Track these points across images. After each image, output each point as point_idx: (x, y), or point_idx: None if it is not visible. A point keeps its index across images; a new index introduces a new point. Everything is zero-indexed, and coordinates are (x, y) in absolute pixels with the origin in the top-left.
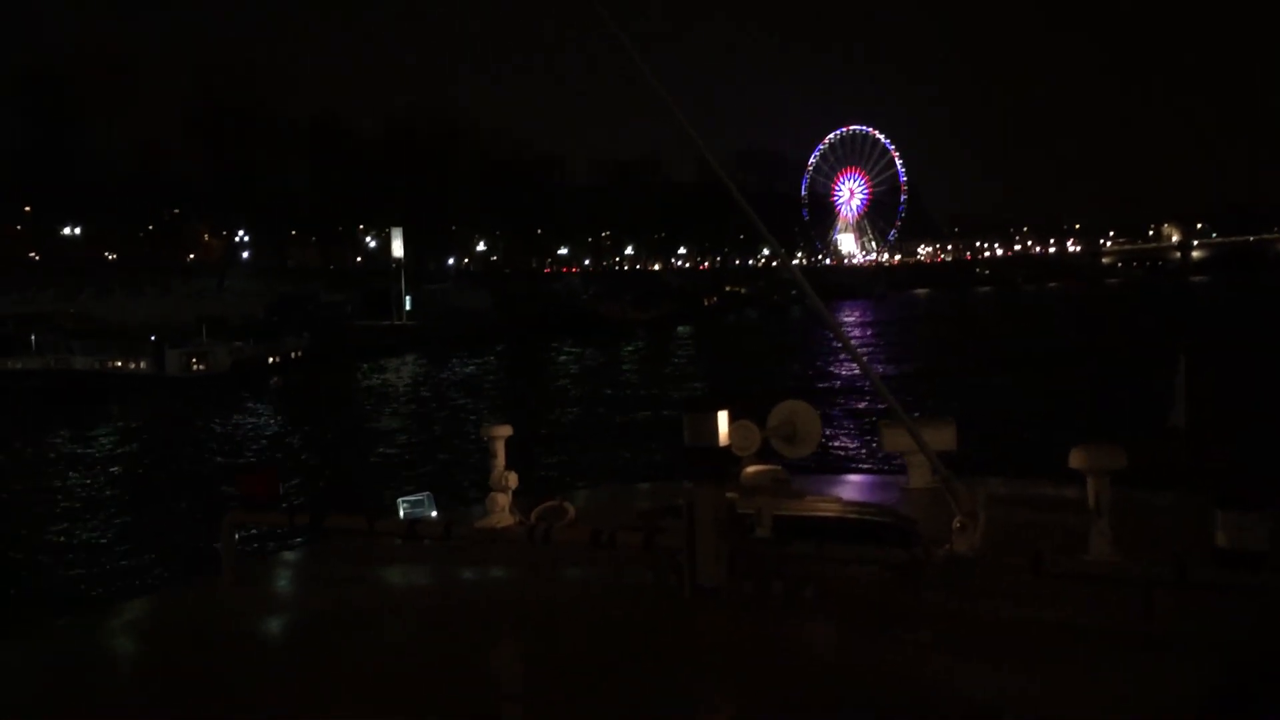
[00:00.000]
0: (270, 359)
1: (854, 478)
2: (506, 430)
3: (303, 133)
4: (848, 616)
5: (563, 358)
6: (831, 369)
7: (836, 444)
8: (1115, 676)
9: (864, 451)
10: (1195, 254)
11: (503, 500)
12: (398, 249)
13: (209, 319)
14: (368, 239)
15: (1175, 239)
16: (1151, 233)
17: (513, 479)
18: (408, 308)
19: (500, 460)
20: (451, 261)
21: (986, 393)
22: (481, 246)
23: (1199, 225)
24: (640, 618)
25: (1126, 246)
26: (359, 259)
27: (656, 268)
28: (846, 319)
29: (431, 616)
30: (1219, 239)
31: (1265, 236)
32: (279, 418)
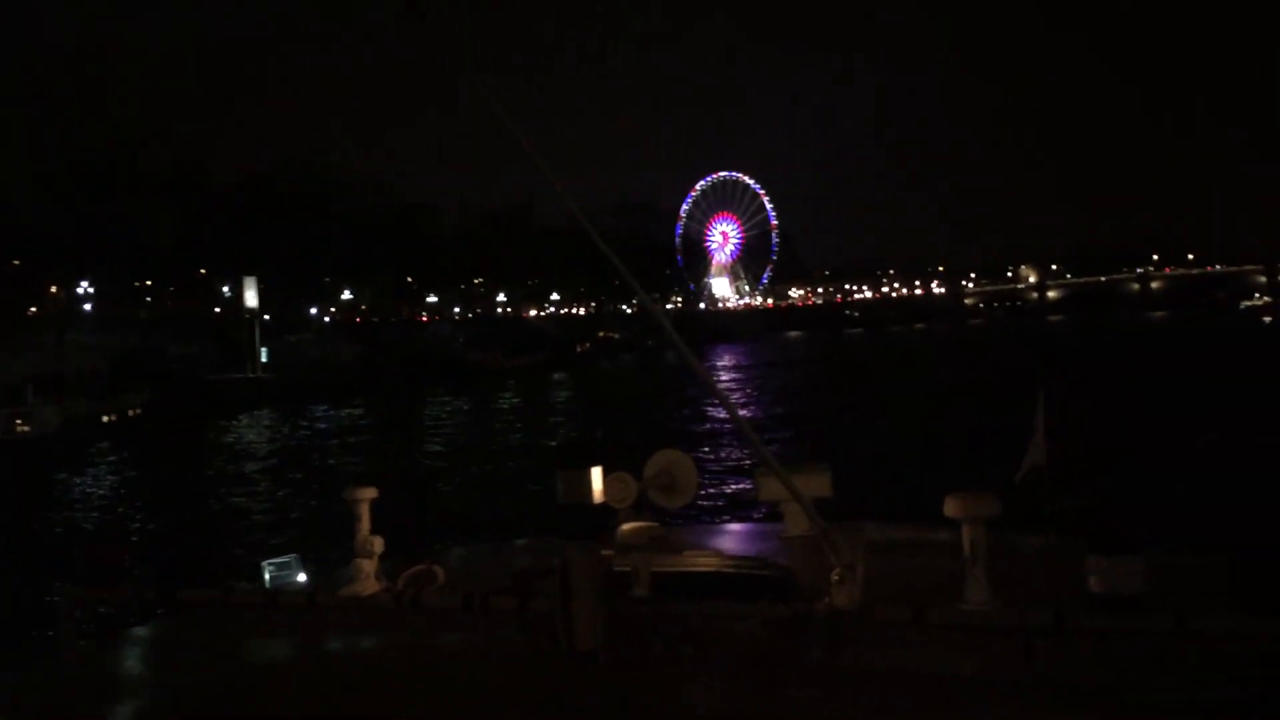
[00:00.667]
0: (105, 418)
1: (732, 527)
2: (370, 493)
3: (164, 181)
4: (730, 675)
5: (431, 409)
6: (708, 414)
7: (714, 492)
8: None
9: (742, 499)
10: (1051, 294)
11: (368, 566)
12: (251, 298)
13: (44, 376)
14: (224, 289)
15: (1032, 279)
16: (1010, 274)
17: (378, 544)
18: (264, 359)
19: (365, 524)
20: (315, 311)
21: (861, 435)
22: (348, 295)
23: (1054, 266)
24: (515, 685)
25: (987, 288)
26: (217, 310)
27: (533, 314)
28: (723, 362)
29: (294, 691)
30: (1073, 279)
31: (1116, 276)
32: (112, 481)
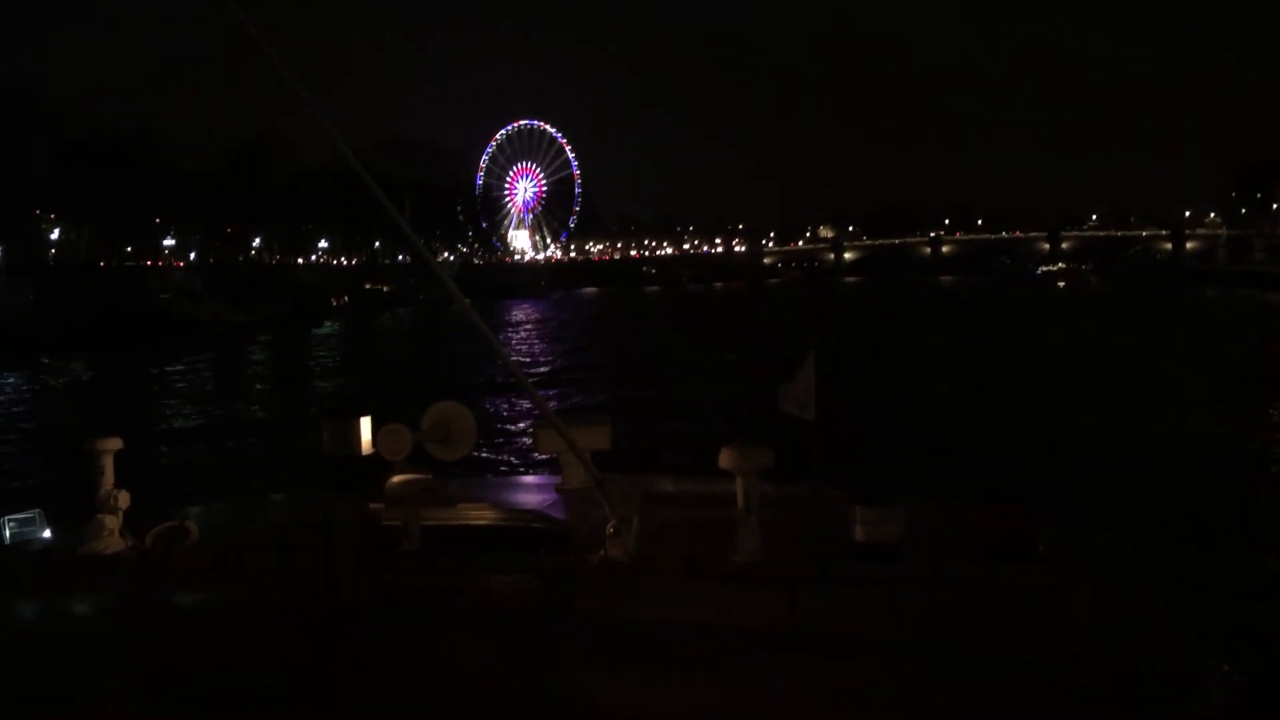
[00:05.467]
0: None
1: (509, 479)
2: (115, 443)
3: None
4: (499, 632)
5: (111, 375)
6: (491, 367)
7: (495, 445)
8: (766, 679)
9: (522, 452)
10: (848, 255)
11: (111, 522)
12: None
13: None
14: None
15: (828, 239)
16: (809, 234)
17: (123, 498)
18: None
19: (108, 477)
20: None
21: (652, 389)
22: (56, 235)
23: (851, 228)
24: (272, 648)
25: (786, 248)
26: None
27: (299, 261)
28: (517, 317)
29: (26, 659)
30: (869, 241)
31: (909, 240)
32: None
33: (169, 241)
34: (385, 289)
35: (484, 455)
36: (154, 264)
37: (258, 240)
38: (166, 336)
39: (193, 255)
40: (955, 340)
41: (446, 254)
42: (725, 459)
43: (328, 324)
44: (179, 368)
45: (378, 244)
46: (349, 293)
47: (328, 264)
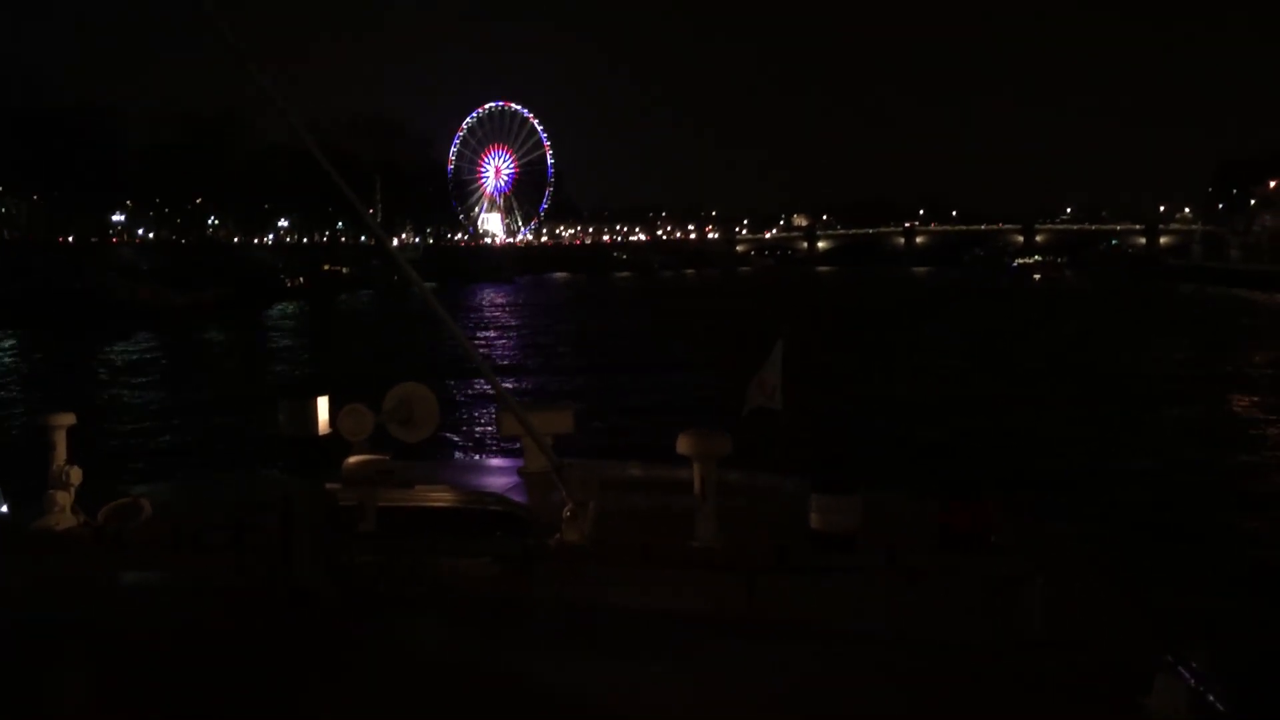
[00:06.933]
0: None
1: (469, 461)
2: (68, 419)
3: None
4: (459, 617)
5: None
6: (455, 350)
7: (459, 427)
8: (724, 666)
9: (486, 434)
10: (821, 245)
11: (63, 498)
12: None
13: None
14: None
15: (802, 228)
16: (783, 222)
17: (75, 474)
18: None
19: (60, 452)
20: None
21: (621, 375)
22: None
23: (825, 217)
24: (225, 627)
25: (759, 236)
26: None
27: (257, 241)
28: (487, 301)
29: None
30: (843, 231)
31: (883, 230)
32: None
33: (118, 218)
34: (345, 270)
35: (446, 438)
36: (100, 241)
37: (214, 219)
38: (99, 318)
39: (147, 233)
40: (933, 335)
41: (414, 237)
42: (683, 445)
43: (280, 306)
44: (109, 350)
45: (340, 224)
46: (306, 274)
47: (287, 244)
